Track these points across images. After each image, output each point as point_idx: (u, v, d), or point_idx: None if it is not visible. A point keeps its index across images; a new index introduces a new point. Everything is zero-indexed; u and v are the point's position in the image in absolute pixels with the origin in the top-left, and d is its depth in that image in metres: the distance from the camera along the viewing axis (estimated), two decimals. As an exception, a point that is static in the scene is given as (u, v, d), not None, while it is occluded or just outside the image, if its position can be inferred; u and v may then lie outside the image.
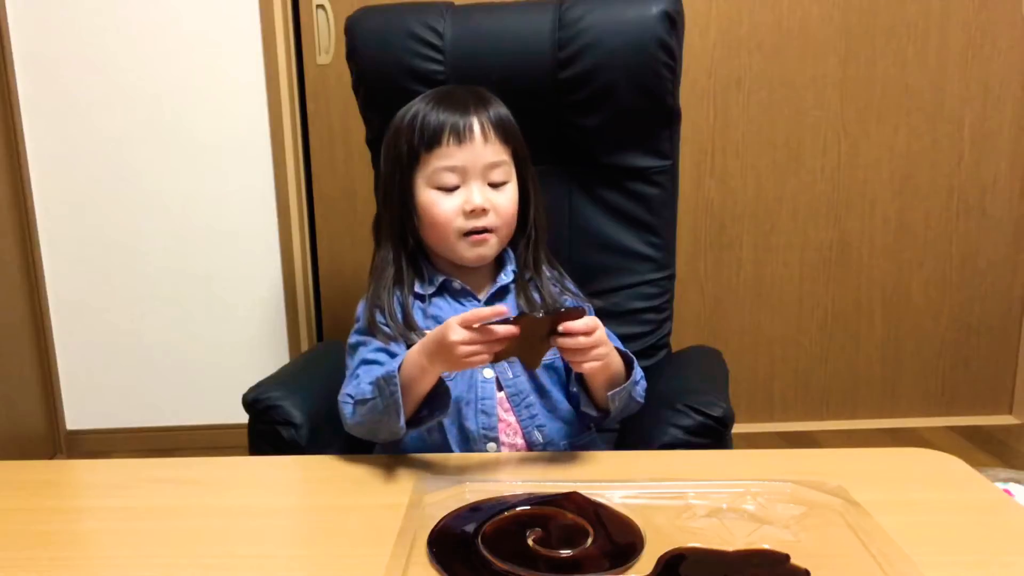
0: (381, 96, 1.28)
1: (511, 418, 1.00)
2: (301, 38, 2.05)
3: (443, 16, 1.25)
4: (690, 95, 2.05)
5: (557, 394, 1.02)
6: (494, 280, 1.06)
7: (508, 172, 1.02)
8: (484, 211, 0.99)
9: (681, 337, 1.36)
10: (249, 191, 2.09)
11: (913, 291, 2.21)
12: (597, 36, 1.20)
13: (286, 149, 2.07)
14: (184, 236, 2.11)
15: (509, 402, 1.00)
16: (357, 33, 1.28)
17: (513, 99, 1.08)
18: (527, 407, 1.00)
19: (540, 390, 1.01)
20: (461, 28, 1.24)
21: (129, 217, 2.10)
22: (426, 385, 0.87)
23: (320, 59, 2.05)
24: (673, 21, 1.19)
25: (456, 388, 0.98)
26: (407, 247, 1.04)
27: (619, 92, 1.20)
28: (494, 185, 1.01)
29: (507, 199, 1.02)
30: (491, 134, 1.00)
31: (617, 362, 0.94)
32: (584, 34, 1.20)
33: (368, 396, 0.89)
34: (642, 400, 0.99)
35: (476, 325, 0.81)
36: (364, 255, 2.07)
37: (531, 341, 0.84)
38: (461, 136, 0.98)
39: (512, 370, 1.01)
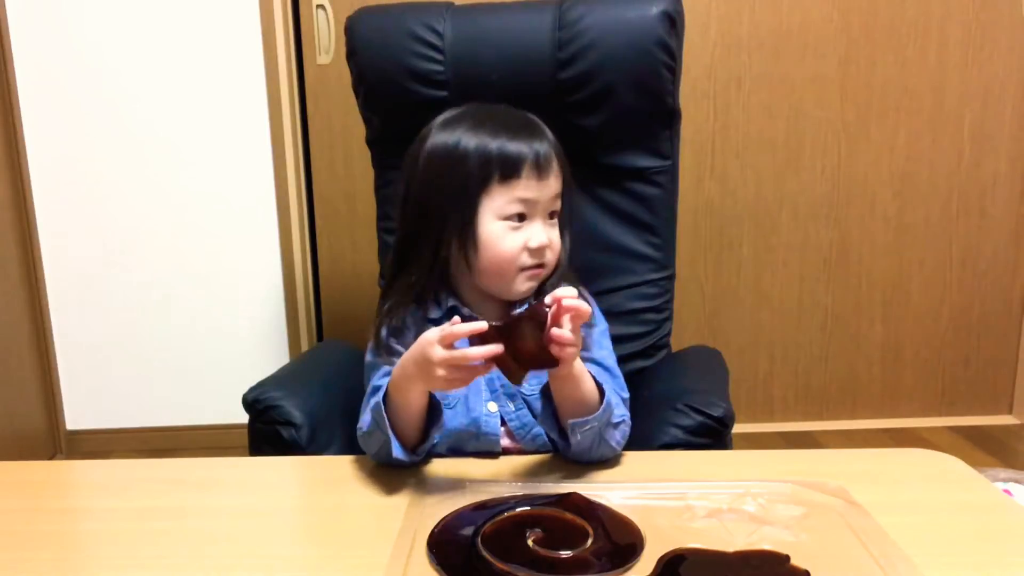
0: (381, 96, 1.28)
1: (514, 448, 0.99)
2: (301, 38, 2.05)
3: (443, 16, 1.25)
4: (690, 95, 2.05)
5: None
6: (508, 312, 1.00)
7: (559, 204, 1.00)
8: (544, 249, 0.96)
9: (681, 337, 1.36)
10: (249, 191, 2.09)
11: (913, 291, 2.21)
12: (597, 36, 1.19)
13: (286, 149, 2.07)
14: (184, 236, 2.11)
15: (514, 435, 0.98)
16: (357, 33, 1.27)
17: (513, 99, 1.08)
18: (532, 439, 0.98)
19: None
20: (461, 28, 1.24)
21: (129, 217, 2.10)
22: (417, 403, 0.85)
23: (320, 59, 2.05)
24: (673, 21, 1.19)
25: (456, 420, 0.96)
26: (440, 272, 0.99)
27: (619, 92, 1.20)
28: (551, 216, 0.98)
29: (558, 234, 1.00)
30: (556, 166, 0.97)
31: (587, 385, 0.87)
32: (584, 34, 1.20)
33: (371, 429, 0.87)
34: (618, 448, 0.90)
35: (455, 348, 0.78)
36: (364, 255, 2.10)
37: (514, 351, 0.78)
38: (541, 169, 0.94)
39: (514, 404, 0.99)
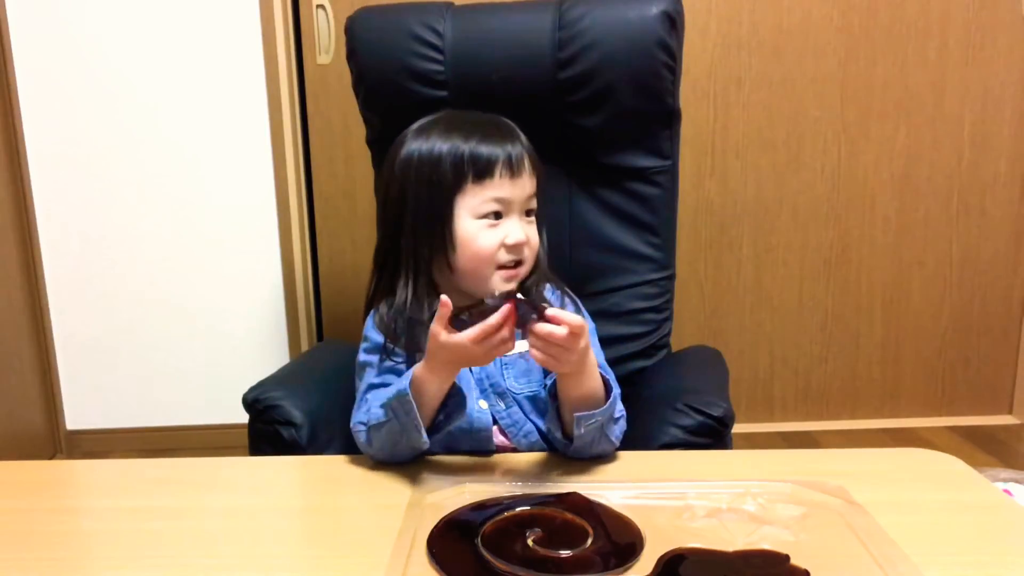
0: (381, 96, 1.28)
1: (509, 445, 1.00)
2: (301, 38, 2.04)
3: (443, 16, 1.25)
4: (690, 95, 2.05)
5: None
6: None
7: (535, 202, 1.02)
8: (522, 245, 0.99)
9: (681, 337, 1.36)
10: (249, 191, 2.09)
11: (913, 291, 2.21)
12: (597, 36, 1.20)
13: (286, 149, 2.07)
14: (184, 236, 2.11)
15: (506, 433, 1.00)
16: (357, 33, 1.28)
17: (513, 99, 1.08)
18: (525, 436, 1.00)
19: (536, 411, 1.01)
20: (461, 28, 1.24)
21: (129, 217, 2.10)
22: (440, 394, 0.88)
23: (320, 59, 2.04)
24: (673, 21, 1.19)
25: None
26: (426, 274, 1.00)
27: (619, 92, 1.20)
28: (528, 215, 1.00)
29: (536, 231, 1.02)
30: (528, 166, 0.99)
31: (595, 383, 0.89)
32: (584, 34, 1.20)
33: (382, 420, 0.88)
34: (617, 443, 0.92)
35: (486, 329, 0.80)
36: (364, 255, 2.09)
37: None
38: (514, 169, 0.97)
39: (504, 402, 1.00)
